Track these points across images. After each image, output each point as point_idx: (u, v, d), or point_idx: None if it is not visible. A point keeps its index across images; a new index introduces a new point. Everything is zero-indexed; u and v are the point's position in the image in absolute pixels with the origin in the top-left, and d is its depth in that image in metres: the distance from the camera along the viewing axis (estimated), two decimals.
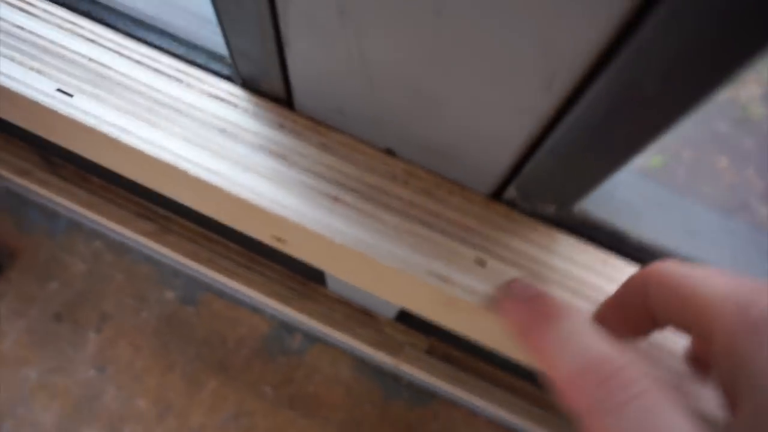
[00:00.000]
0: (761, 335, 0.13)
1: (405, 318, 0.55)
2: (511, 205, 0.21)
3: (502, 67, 0.14)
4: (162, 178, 0.22)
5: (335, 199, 0.21)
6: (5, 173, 0.63)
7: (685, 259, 0.21)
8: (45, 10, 0.22)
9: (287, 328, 0.88)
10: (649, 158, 1.48)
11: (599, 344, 0.15)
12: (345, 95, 0.19)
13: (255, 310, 0.88)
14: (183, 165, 0.20)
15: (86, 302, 0.89)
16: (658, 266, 0.16)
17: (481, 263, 0.20)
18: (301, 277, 0.59)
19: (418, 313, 0.25)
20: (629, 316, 0.17)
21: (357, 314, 0.58)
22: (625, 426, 0.13)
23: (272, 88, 0.21)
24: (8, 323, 0.87)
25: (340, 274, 0.24)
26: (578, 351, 0.15)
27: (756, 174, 1.45)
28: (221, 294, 0.88)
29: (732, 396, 0.13)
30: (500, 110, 0.16)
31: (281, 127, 0.21)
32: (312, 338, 0.88)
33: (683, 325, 0.15)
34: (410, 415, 0.87)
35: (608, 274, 0.20)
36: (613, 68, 0.13)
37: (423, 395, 0.85)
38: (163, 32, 0.22)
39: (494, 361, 0.55)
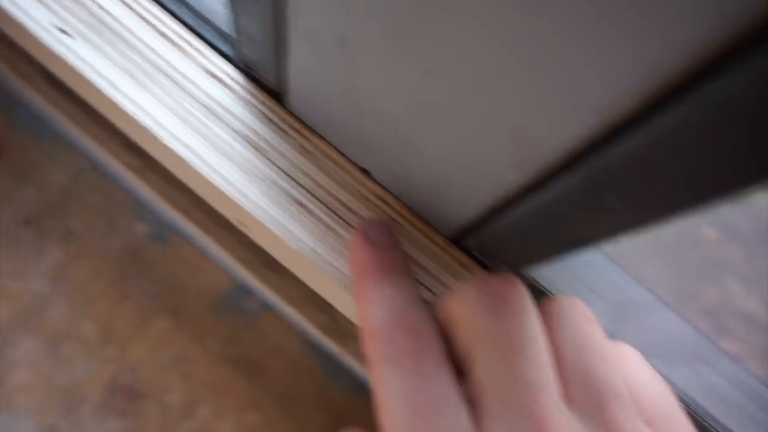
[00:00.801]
0: (489, 308, 0.16)
1: None
2: (469, 252, 0.22)
3: (478, 137, 0.14)
4: (141, 136, 0.23)
5: (301, 205, 0.21)
6: (5, 70, 0.62)
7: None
8: None
9: (248, 290, 0.89)
10: None
11: (407, 308, 0.17)
12: (334, 112, 0.19)
13: (220, 265, 0.88)
14: (161, 133, 0.21)
15: (57, 215, 0.89)
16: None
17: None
18: None
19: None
20: None
21: (315, 296, 0.59)
22: (397, 380, 0.15)
23: (269, 79, 0.21)
24: None
25: (297, 271, 0.25)
26: (388, 310, 0.16)
27: (741, 256, 1.47)
28: (191, 240, 0.89)
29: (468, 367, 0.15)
30: (470, 173, 0.16)
31: (269, 120, 0.22)
32: (269, 306, 0.88)
33: None
34: (346, 402, 0.88)
35: None
36: (579, 172, 0.13)
37: (363, 386, 0.87)
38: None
39: None
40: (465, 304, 0.16)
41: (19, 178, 0.88)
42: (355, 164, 0.22)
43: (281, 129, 0.22)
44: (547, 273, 0.22)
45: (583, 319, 0.17)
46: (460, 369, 0.16)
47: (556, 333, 0.16)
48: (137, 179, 0.58)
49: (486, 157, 0.15)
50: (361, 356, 0.60)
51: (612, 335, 0.22)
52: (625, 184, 0.12)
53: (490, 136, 0.14)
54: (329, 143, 0.22)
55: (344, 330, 0.59)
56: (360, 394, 0.87)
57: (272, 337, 0.89)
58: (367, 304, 0.17)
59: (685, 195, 0.12)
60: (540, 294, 0.22)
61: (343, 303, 0.22)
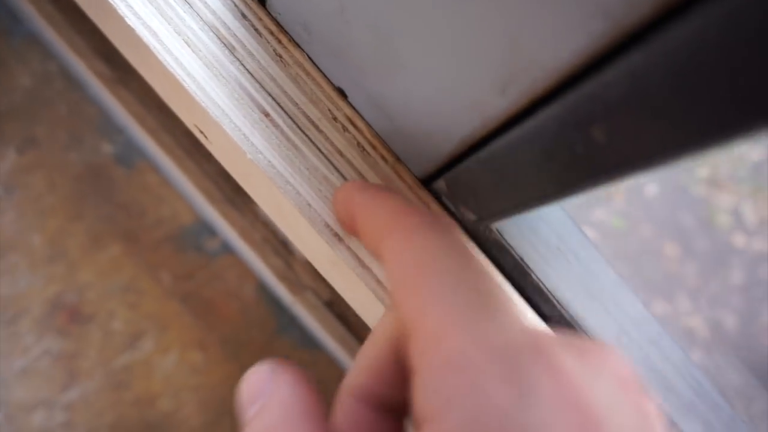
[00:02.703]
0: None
1: None
2: (437, 197, 0.20)
3: (466, 49, 0.13)
4: (101, 14, 0.20)
5: (266, 113, 0.19)
6: None
7: (570, 318, 0.21)
8: None
9: (209, 228, 0.86)
10: (612, 216, 1.51)
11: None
12: (315, 11, 0.17)
13: (184, 198, 0.86)
14: (122, 9, 0.18)
15: (18, 118, 0.84)
16: None
17: None
18: (236, 184, 0.57)
19: (311, 260, 0.24)
20: None
21: (275, 241, 0.57)
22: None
23: None
24: None
25: (250, 191, 0.23)
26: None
27: (694, 273, 1.51)
28: (158, 168, 0.85)
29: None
30: (452, 95, 0.14)
31: (243, 17, 0.20)
32: (228, 248, 0.86)
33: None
34: (293, 355, 0.88)
35: None
36: (569, 99, 0.12)
37: (310, 342, 0.86)
38: None
39: None
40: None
41: None
42: (331, 82, 0.20)
43: (255, 29, 0.20)
44: (512, 232, 0.21)
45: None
46: None
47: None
48: (107, 91, 0.55)
49: (472, 76, 0.13)
50: (311, 308, 0.59)
51: (571, 303, 0.21)
52: (618, 115, 0.11)
53: (482, 48, 0.12)
54: (306, 54, 0.20)
55: (299, 279, 0.58)
56: (307, 348, 0.86)
57: (228, 280, 0.87)
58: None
59: (677, 133, 0.11)
60: (502, 251, 0.21)
61: (295, 227, 0.20)
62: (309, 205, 0.19)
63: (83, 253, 0.83)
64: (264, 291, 0.87)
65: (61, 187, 0.84)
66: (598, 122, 0.12)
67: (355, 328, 0.59)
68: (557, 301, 0.21)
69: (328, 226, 0.19)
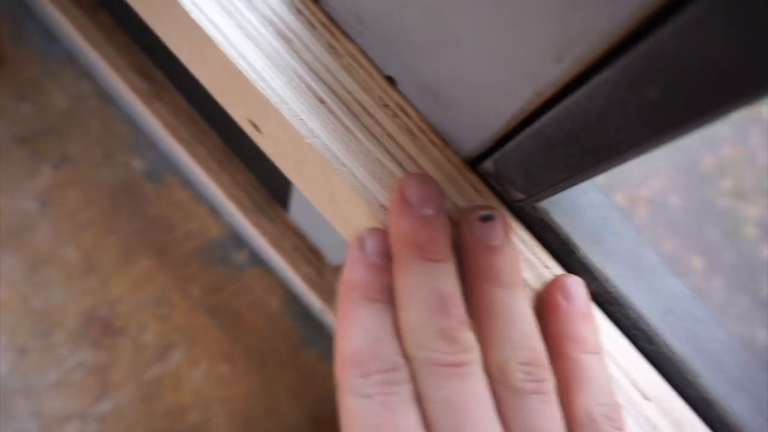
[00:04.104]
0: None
1: None
2: (484, 178, 0.21)
3: (522, 19, 0.14)
4: (162, 12, 0.22)
5: (321, 101, 0.20)
6: None
7: (616, 296, 0.21)
8: None
9: (237, 241, 0.88)
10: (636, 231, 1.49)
11: (384, 341, 0.17)
12: (370, 7, 0.19)
13: (213, 212, 0.88)
14: (188, 5, 0.20)
15: (54, 136, 0.87)
16: None
17: None
18: (267, 193, 0.58)
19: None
20: None
21: (306, 249, 0.58)
22: (366, 411, 0.16)
23: None
24: None
25: (300, 182, 0.24)
26: (366, 340, 0.17)
27: (721, 287, 1.48)
28: (187, 183, 0.88)
29: None
30: (506, 66, 0.15)
31: (299, 12, 0.21)
32: (256, 260, 0.88)
33: None
34: (318, 366, 0.88)
35: (544, 276, 0.21)
36: (623, 62, 0.13)
37: None
38: None
39: None
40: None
41: (19, 94, 0.87)
42: (381, 71, 0.21)
43: (310, 23, 0.21)
44: (557, 212, 0.21)
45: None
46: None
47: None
48: (142, 105, 0.57)
49: (528, 46, 0.14)
50: None
51: (618, 281, 0.21)
52: (672, 73, 0.12)
53: (538, 16, 0.13)
54: (357, 45, 0.21)
55: (330, 286, 0.59)
56: (332, 361, 0.87)
57: (254, 291, 0.89)
58: (347, 327, 0.17)
59: (731, 87, 0.11)
60: (548, 230, 0.21)
61: (347, 212, 0.21)
62: (365, 186, 0.20)
63: (116, 266, 0.86)
64: (290, 303, 0.88)
65: (95, 203, 0.86)
66: (652, 82, 0.13)
67: None
68: (604, 279, 0.21)
69: (383, 206, 0.20)
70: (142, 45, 0.56)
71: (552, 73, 0.14)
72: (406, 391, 0.16)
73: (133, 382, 0.85)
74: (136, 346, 0.85)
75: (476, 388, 0.16)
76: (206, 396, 0.87)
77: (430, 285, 0.16)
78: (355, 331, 0.17)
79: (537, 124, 0.16)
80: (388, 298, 0.18)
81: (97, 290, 0.86)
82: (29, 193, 0.85)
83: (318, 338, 0.86)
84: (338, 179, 0.20)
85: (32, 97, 0.87)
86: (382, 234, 0.18)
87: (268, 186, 0.57)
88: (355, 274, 0.18)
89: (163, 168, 0.88)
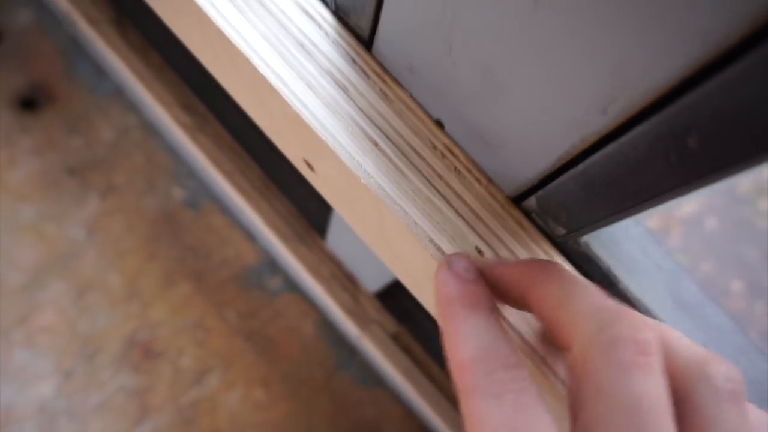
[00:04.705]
0: (610, 354, 0.15)
1: (384, 297, 0.57)
2: (527, 214, 0.22)
3: (571, 74, 0.15)
4: (228, 66, 0.24)
5: (375, 144, 0.22)
6: (75, 17, 0.65)
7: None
8: None
9: (271, 267, 0.90)
10: (672, 253, 1.46)
11: (500, 342, 0.17)
12: (421, 54, 0.20)
13: (249, 238, 0.90)
14: (254, 59, 0.22)
15: (101, 167, 0.91)
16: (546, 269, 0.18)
17: (480, 252, 0.22)
18: (306, 222, 0.60)
19: (403, 280, 0.26)
20: (511, 289, 0.19)
21: (342, 276, 0.60)
22: (496, 412, 0.15)
23: (359, 24, 0.22)
24: (25, 158, 0.90)
25: (350, 218, 0.26)
26: (481, 342, 0.17)
27: (765, 311, 1.43)
28: (224, 210, 0.91)
29: (575, 406, 0.15)
30: (553, 115, 0.17)
31: (353, 62, 0.23)
32: (290, 286, 0.90)
33: (551, 327, 0.17)
34: (352, 392, 0.89)
35: None
36: (665, 114, 0.14)
37: (371, 379, 0.87)
38: None
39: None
40: (594, 354, 0.15)
41: (69, 127, 0.92)
42: (430, 115, 0.23)
43: (364, 72, 0.23)
44: (598, 245, 0.23)
45: (733, 399, 0.15)
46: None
47: (690, 408, 0.15)
48: (188, 139, 0.60)
49: (574, 98, 0.16)
50: (377, 342, 0.60)
51: (658, 312, 0.22)
52: (711, 124, 0.13)
53: (586, 72, 0.15)
54: (407, 92, 0.23)
55: (366, 313, 0.60)
56: (367, 386, 0.87)
57: (289, 317, 0.90)
58: (457, 337, 0.17)
59: (765, 141, 0.13)
60: (590, 263, 0.22)
61: (397, 247, 0.23)
62: (415, 222, 0.21)
63: (157, 291, 0.88)
64: (324, 328, 0.89)
65: (137, 231, 0.90)
66: (693, 132, 0.14)
67: (420, 361, 0.60)
68: (645, 310, 0.22)
69: (432, 241, 0.21)
70: (189, 81, 0.59)
71: (597, 123, 0.16)
72: (533, 388, 0.16)
73: (171, 406, 0.87)
74: (175, 370, 0.88)
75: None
76: (242, 421, 0.88)
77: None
78: (468, 336, 0.17)
79: (581, 167, 0.18)
80: (491, 305, 0.18)
81: (139, 315, 0.89)
82: (77, 221, 0.90)
83: (352, 364, 0.87)
84: (390, 216, 0.21)
85: (82, 130, 0.91)
86: (466, 256, 0.20)
87: (306, 215, 0.59)
88: (452, 289, 0.19)
89: (202, 196, 0.92)
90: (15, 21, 0.94)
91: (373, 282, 0.55)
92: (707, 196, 1.53)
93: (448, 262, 0.19)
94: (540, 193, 0.21)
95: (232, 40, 0.22)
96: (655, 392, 0.14)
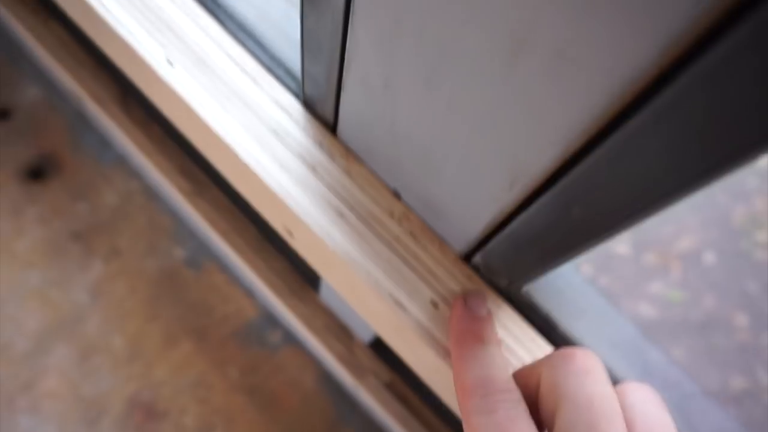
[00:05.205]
0: (567, 367, 0.20)
1: (377, 347, 0.60)
2: (476, 269, 0.26)
3: (484, 159, 0.19)
4: (216, 151, 0.28)
5: (341, 214, 0.26)
6: (82, 94, 0.71)
7: None
8: (180, 1, 0.29)
9: (271, 321, 0.93)
10: (670, 289, 1.48)
11: (498, 371, 0.21)
12: (374, 140, 0.24)
13: (249, 294, 0.93)
14: (236, 147, 0.26)
15: (105, 232, 0.96)
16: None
17: (435, 305, 0.25)
18: (300, 278, 0.64)
19: (378, 331, 0.29)
20: None
21: (336, 328, 0.63)
22: (490, 423, 0.19)
23: (324, 113, 0.27)
24: (31, 226, 0.94)
25: (327, 277, 0.29)
26: (484, 371, 0.21)
27: None
28: (224, 269, 0.94)
29: (551, 422, 0.19)
30: (477, 190, 0.21)
31: (320, 145, 0.27)
32: (290, 339, 0.92)
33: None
34: None
35: (533, 350, 0.25)
36: (554, 190, 0.18)
37: (371, 429, 0.88)
38: (257, 41, 0.28)
39: (444, 417, 0.59)
40: (553, 371, 0.20)
41: (75, 195, 0.97)
42: (388, 186, 0.27)
43: (329, 153, 0.27)
44: (540, 293, 0.26)
45: (655, 405, 0.20)
46: (540, 424, 0.20)
47: (630, 412, 0.19)
48: (186, 202, 0.65)
49: (490, 180, 0.20)
50: (373, 391, 0.63)
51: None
52: (586, 197, 0.17)
53: (492, 160, 0.19)
54: (368, 167, 0.27)
55: (361, 363, 0.63)
56: None
57: (289, 370, 0.92)
58: (464, 364, 0.22)
59: (626, 208, 0.16)
60: (531, 309, 0.26)
61: (366, 302, 0.26)
62: (378, 282, 0.25)
63: (159, 351, 0.91)
64: (324, 380, 0.91)
65: (140, 292, 0.93)
66: (576, 203, 0.18)
67: (416, 409, 0.62)
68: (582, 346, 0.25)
69: (392, 297, 0.25)
70: (188, 150, 0.64)
71: (508, 197, 0.20)
72: (522, 406, 0.20)
73: None
74: (177, 429, 0.89)
75: None
76: None
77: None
78: (472, 365, 0.21)
79: (506, 230, 0.21)
80: (495, 340, 0.22)
81: (142, 375, 0.91)
82: (81, 285, 0.93)
83: (352, 414, 0.89)
84: (356, 277, 0.25)
85: (87, 196, 0.96)
86: (482, 295, 0.24)
87: (300, 271, 0.63)
88: (465, 325, 0.23)
89: (202, 255, 0.96)
90: (25, 97, 1.01)
91: (365, 332, 0.58)
92: (703, 229, 1.55)
93: (464, 299, 0.23)
94: (482, 251, 0.24)
95: (218, 133, 0.26)
96: (607, 391, 0.19)
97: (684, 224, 1.49)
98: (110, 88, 0.69)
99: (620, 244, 1.29)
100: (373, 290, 0.25)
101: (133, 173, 0.97)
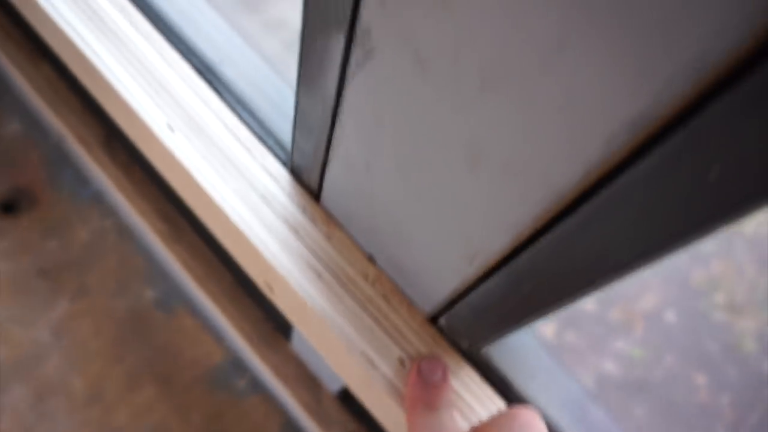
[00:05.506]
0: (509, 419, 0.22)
1: (344, 398, 0.61)
2: (440, 330, 0.29)
3: (446, 240, 0.22)
4: (207, 210, 0.31)
5: (319, 275, 0.28)
6: (66, 133, 0.73)
7: (547, 422, 0.28)
8: (179, 67, 0.32)
9: (239, 368, 0.93)
10: (633, 347, 1.52)
11: None
12: (353, 210, 0.27)
13: (218, 339, 0.94)
14: (227, 209, 0.29)
15: (73, 270, 0.96)
16: None
17: (402, 363, 0.28)
18: (272, 327, 0.65)
19: (348, 383, 0.32)
20: None
21: (306, 378, 0.64)
22: None
23: (309, 182, 0.30)
24: None
25: (304, 330, 0.32)
26: None
27: (729, 404, 1.47)
28: (194, 312, 0.94)
29: None
30: (440, 265, 0.24)
31: (304, 210, 0.30)
32: (257, 387, 0.92)
33: None
34: None
35: (490, 408, 0.27)
36: (507, 269, 0.21)
37: None
38: (251, 113, 0.32)
39: None
40: (500, 429, 0.22)
41: (46, 231, 0.97)
42: (363, 251, 0.30)
43: (312, 218, 0.30)
44: (498, 355, 0.29)
45: None
46: None
47: None
48: (164, 246, 0.66)
49: (452, 254, 0.23)
50: None
51: (547, 410, 0.28)
52: (535, 275, 0.20)
53: (454, 239, 0.22)
54: (346, 233, 0.30)
55: (328, 414, 0.64)
56: None
57: (254, 418, 0.92)
58: (416, 429, 0.24)
59: (569, 287, 0.19)
60: (490, 369, 0.28)
61: (338, 356, 0.29)
62: (349, 339, 0.27)
63: (120, 395, 0.90)
64: (289, 429, 0.90)
65: (106, 332, 0.93)
66: (527, 280, 0.21)
67: None
68: (533, 404, 0.28)
69: (363, 354, 0.27)
70: (167, 195, 0.66)
71: (468, 270, 0.23)
72: None
73: None
74: None
75: None
76: None
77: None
78: (423, 429, 0.23)
79: (467, 299, 0.24)
80: (448, 404, 0.25)
81: (99, 420, 0.89)
82: (44, 323, 0.92)
83: None
84: (331, 333, 0.28)
85: (58, 233, 0.96)
86: (437, 361, 0.26)
87: (272, 319, 0.65)
88: (418, 392, 0.25)
89: (173, 298, 0.96)
90: (3, 130, 1.02)
91: (333, 383, 0.60)
92: (664, 288, 1.61)
93: (419, 365, 0.26)
94: (446, 315, 0.27)
95: (212, 196, 0.29)
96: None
97: (647, 283, 1.54)
98: (95, 130, 0.71)
99: (586, 301, 1.33)
100: (345, 346, 0.27)
101: (108, 212, 0.98)
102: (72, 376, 0.91)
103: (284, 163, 0.31)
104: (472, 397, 0.28)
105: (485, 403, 0.28)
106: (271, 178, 0.30)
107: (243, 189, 0.30)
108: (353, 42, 0.19)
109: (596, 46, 0.12)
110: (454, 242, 0.22)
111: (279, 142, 0.31)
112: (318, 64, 0.22)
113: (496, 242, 0.20)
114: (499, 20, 0.14)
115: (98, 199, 0.99)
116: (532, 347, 0.30)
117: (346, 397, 0.61)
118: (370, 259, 0.30)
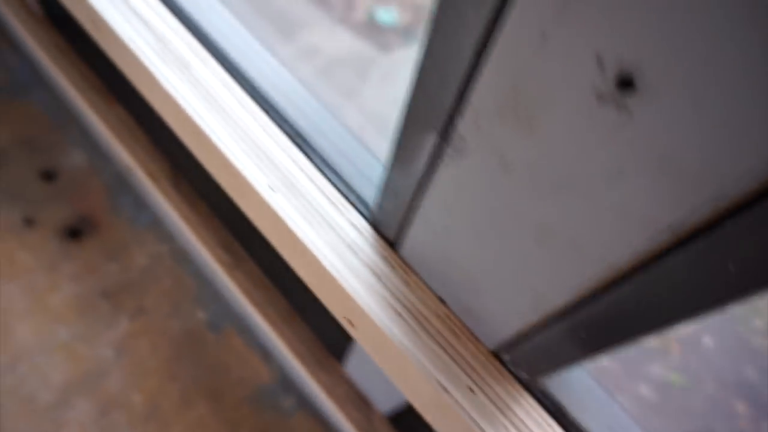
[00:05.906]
0: None
1: (396, 419, 0.66)
2: (503, 363, 0.34)
3: (514, 292, 0.28)
4: (300, 257, 0.37)
5: (398, 314, 0.34)
6: (134, 166, 0.80)
7: None
8: (274, 133, 0.38)
9: (286, 387, 0.99)
10: (670, 372, 1.53)
11: None
12: (429, 260, 0.33)
13: (265, 359, 1.00)
14: (320, 257, 0.35)
15: (133, 292, 1.03)
16: None
17: (472, 391, 0.33)
18: (326, 349, 0.71)
19: (415, 404, 0.37)
20: None
21: (357, 398, 0.69)
22: None
23: (389, 235, 0.35)
24: (65, 282, 1.02)
25: (382, 363, 0.37)
26: None
27: None
28: (243, 331, 1.01)
29: None
30: (506, 311, 0.29)
31: (384, 258, 0.36)
32: (302, 405, 0.97)
33: None
34: None
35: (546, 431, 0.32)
36: (567, 319, 0.26)
37: None
38: (339, 176, 0.38)
39: None
40: None
41: (108, 255, 1.05)
42: (437, 294, 0.35)
43: (392, 265, 0.36)
44: (554, 385, 0.34)
45: None
46: None
47: None
48: (224, 273, 0.73)
49: (517, 302, 0.28)
50: None
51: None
52: (592, 326, 0.25)
53: (519, 291, 0.27)
54: (421, 278, 0.35)
55: None
56: None
57: None
58: None
59: (621, 335, 0.25)
60: (547, 398, 0.33)
61: (414, 386, 0.34)
62: (426, 369, 0.33)
63: (175, 411, 0.96)
64: None
65: (162, 351, 1.00)
66: (583, 329, 0.26)
67: None
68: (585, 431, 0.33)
69: (439, 382, 0.33)
70: (230, 227, 0.73)
71: (533, 317, 0.28)
72: None
73: None
74: None
75: None
76: None
77: None
78: None
79: (529, 340, 0.30)
80: None
81: None
82: (106, 341, 1.00)
83: None
84: (409, 362, 0.33)
85: (119, 257, 1.05)
86: None
87: (325, 342, 0.70)
88: None
89: (223, 318, 1.03)
90: (69, 161, 1.11)
91: (385, 404, 0.65)
92: None
93: None
94: (509, 352, 0.32)
95: (306, 246, 0.35)
96: None
97: None
98: (162, 165, 0.79)
99: None
100: (421, 374, 0.33)
101: (164, 237, 1.06)
102: (132, 392, 0.98)
103: (365, 217, 0.37)
104: (534, 423, 0.33)
105: (542, 425, 0.33)
106: (356, 230, 0.36)
107: (333, 240, 0.36)
108: (447, 142, 0.25)
109: (645, 178, 0.18)
110: (522, 294, 0.27)
111: (360, 198, 0.37)
112: (412, 151, 0.27)
113: (558, 297, 0.25)
114: (574, 147, 0.19)
115: (155, 224, 1.07)
116: (584, 380, 0.35)
117: (397, 420, 0.66)
118: (442, 301, 0.35)
